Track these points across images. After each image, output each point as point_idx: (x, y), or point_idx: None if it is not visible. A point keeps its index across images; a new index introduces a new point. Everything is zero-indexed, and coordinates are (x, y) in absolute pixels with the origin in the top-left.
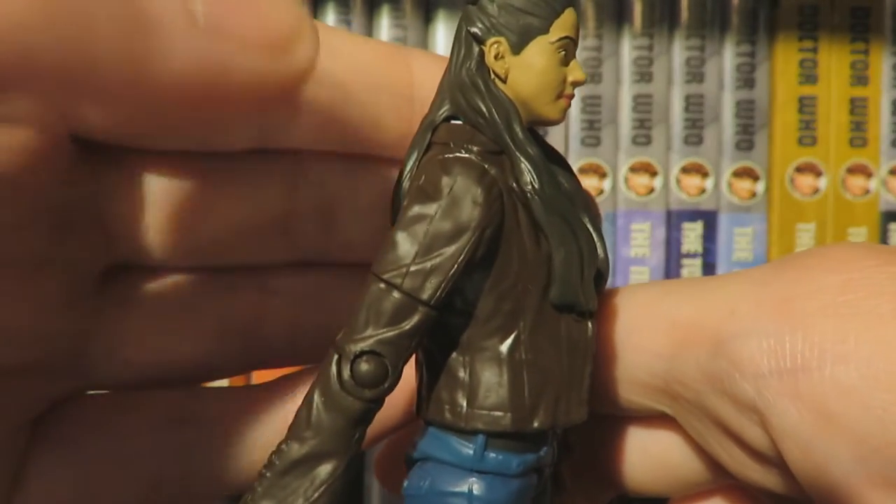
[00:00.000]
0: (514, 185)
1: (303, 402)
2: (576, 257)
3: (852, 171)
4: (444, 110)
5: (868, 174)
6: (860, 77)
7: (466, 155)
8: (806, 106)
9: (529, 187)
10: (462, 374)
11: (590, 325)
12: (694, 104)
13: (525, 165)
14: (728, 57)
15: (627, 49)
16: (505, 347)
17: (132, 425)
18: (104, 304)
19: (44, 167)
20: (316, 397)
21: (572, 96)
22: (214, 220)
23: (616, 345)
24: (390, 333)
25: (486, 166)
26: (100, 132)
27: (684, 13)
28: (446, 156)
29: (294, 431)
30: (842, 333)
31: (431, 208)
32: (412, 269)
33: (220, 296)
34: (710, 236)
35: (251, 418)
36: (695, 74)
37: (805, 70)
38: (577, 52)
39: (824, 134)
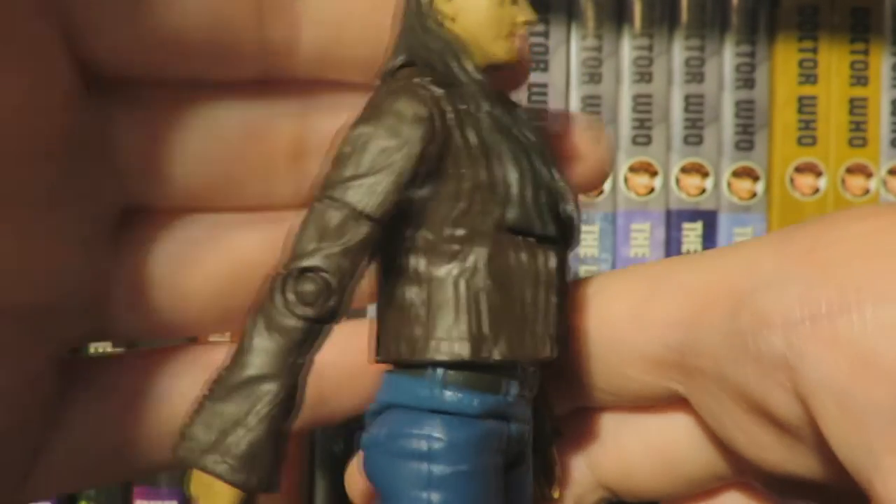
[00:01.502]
0: (464, 107)
1: (244, 327)
2: (529, 179)
3: (852, 171)
4: (400, 59)
5: (868, 174)
6: (860, 77)
7: (414, 83)
8: (806, 106)
9: (480, 110)
10: (417, 305)
11: (552, 254)
12: (694, 104)
13: (472, 91)
14: (728, 57)
15: (627, 49)
16: (462, 275)
17: (165, 368)
18: (122, 246)
19: (53, 98)
20: (256, 320)
21: (524, 36)
22: (226, 155)
23: (624, 323)
24: (335, 249)
25: (434, 89)
26: (107, 62)
27: (684, 13)
28: (394, 82)
29: (234, 357)
30: (878, 273)
31: (373, 125)
32: (354, 183)
33: (235, 235)
34: (710, 236)
35: None
36: (695, 74)
37: (805, 70)
38: (577, 52)
39: (824, 134)
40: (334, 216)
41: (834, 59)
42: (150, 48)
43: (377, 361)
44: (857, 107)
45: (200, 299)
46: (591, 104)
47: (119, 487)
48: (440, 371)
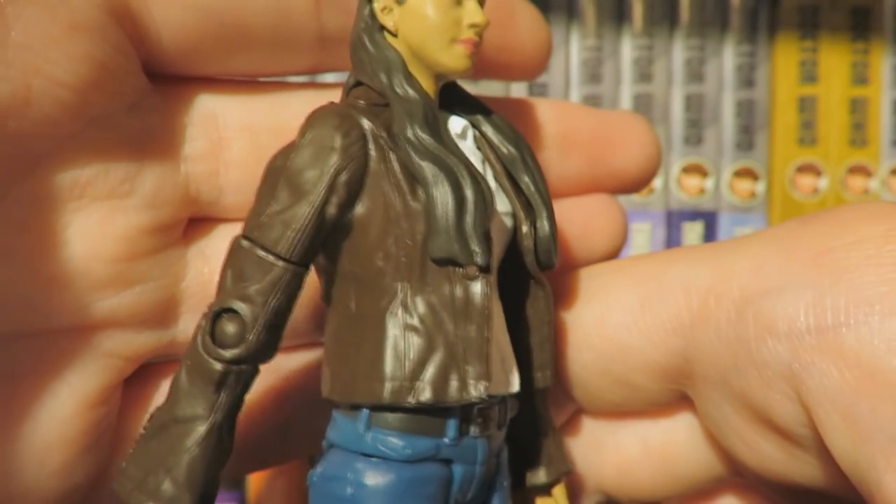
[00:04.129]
0: (393, 132)
1: (177, 370)
2: (453, 204)
3: (852, 171)
4: (351, 79)
5: (868, 174)
6: (860, 77)
7: (335, 107)
8: (806, 106)
9: (401, 133)
10: (348, 343)
11: (482, 284)
12: (694, 104)
13: (399, 113)
14: (728, 57)
15: (627, 49)
16: (387, 311)
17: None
18: (189, 254)
19: (117, 91)
20: (183, 363)
21: (474, 41)
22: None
23: (625, 331)
24: (250, 290)
25: (357, 116)
26: (170, 58)
27: (684, 13)
28: (315, 110)
29: (167, 397)
30: (891, 284)
31: (286, 159)
32: (265, 221)
33: None
34: (710, 236)
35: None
36: (695, 74)
37: (805, 70)
38: (577, 52)
39: (824, 134)
40: (249, 257)
41: (834, 59)
42: (213, 41)
43: (324, 397)
44: (857, 107)
45: None
46: (592, 104)
47: None
48: (365, 412)
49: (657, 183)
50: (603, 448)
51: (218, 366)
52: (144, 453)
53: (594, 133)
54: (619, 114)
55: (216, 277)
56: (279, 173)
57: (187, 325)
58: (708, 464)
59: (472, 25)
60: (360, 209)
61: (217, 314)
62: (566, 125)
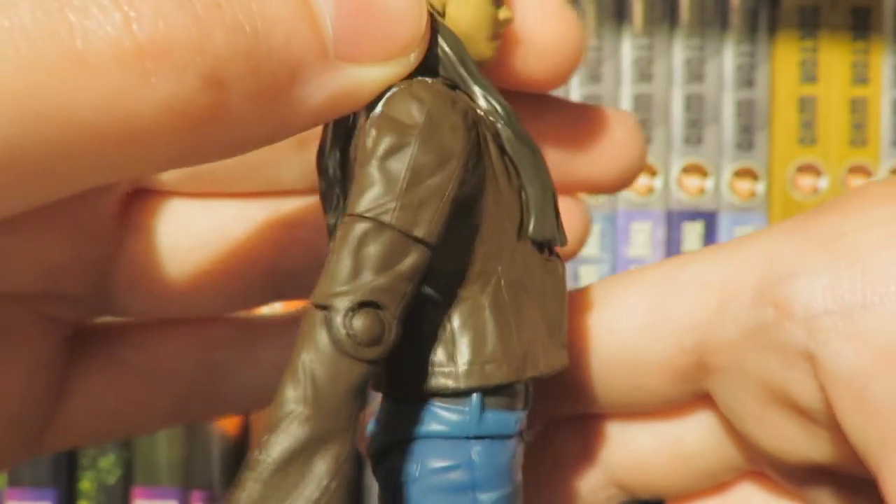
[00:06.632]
0: (482, 114)
1: (285, 380)
2: (550, 189)
3: (852, 171)
4: None
5: (868, 174)
6: (860, 77)
7: (437, 84)
8: (806, 106)
9: (497, 115)
10: (446, 330)
11: (559, 265)
12: (694, 104)
13: (486, 95)
14: (728, 57)
15: (627, 49)
16: (487, 293)
17: (165, 344)
18: (125, 230)
19: None
20: (307, 367)
21: (502, 36)
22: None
23: (635, 336)
24: (384, 279)
25: (459, 94)
26: None
27: (684, 13)
28: (410, 86)
29: (279, 417)
30: None
31: (408, 137)
32: (400, 203)
33: (240, 227)
34: (710, 236)
35: (275, 343)
36: (695, 74)
37: (805, 70)
38: None
39: (824, 134)
40: (380, 241)
41: (834, 59)
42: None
43: (391, 396)
44: (857, 107)
45: (198, 281)
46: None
47: (119, 487)
48: (477, 396)
49: (657, 183)
50: (614, 441)
51: (360, 368)
52: (271, 488)
53: (562, 127)
54: (601, 109)
55: (149, 247)
56: (399, 152)
57: (121, 293)
58: (723, 454)
59: (506, 21)
60: (472, 190)
61: (355, 307)
62: (531, 115)
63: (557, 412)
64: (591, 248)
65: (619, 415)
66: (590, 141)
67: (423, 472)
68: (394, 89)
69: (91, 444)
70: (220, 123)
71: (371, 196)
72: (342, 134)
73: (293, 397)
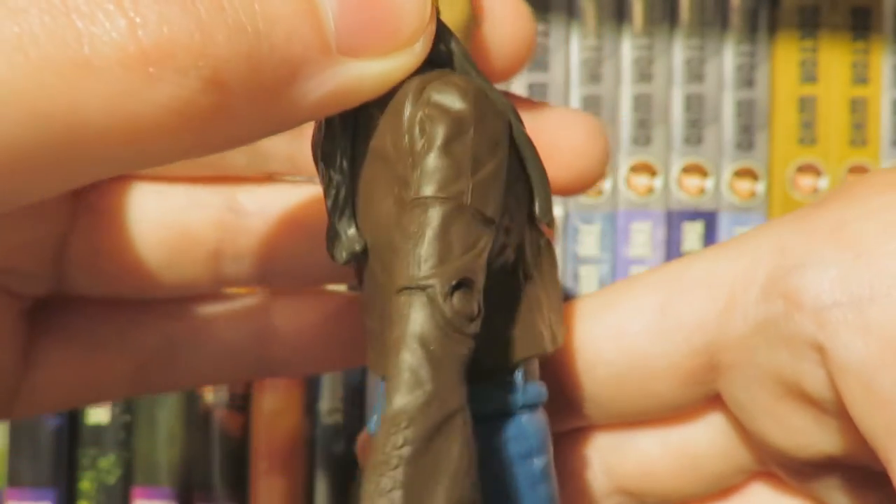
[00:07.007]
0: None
1: (396, 370)
2: (545, 174)
3: (852, 171)
4: None
5: None
6: (860, 77)
7: (464, 77)
8: (806, 106)
9: (503, 104)
10: (493, 309)
11: (552, 245)
12: (694, 104)
13: (489, 90)
14: (728, 57)
15: (627, 49)
16: (516, 269)
17: (125, 316)
18: (78, 212)
19: None
20: (420, 352)
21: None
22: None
23: (642, 341)
24: (470, 257)
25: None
26: None
27: (684, 13)
28: (444, 75)
29: (406, 397)
30: None
31: (465, 125)
32: (471, 185)
33: (191, 211)
34: (710, 236)
35: (230, 321)
36: (695, 74)
37: (805, 70)
38: (577, 52)
39: (824, 134)
40: (462, 222)
41: (834, 59)
42: None
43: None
44: (857, 107)
45: (149, 263)
46: (591, 104)
47: (119, 487)
48: (519, 370)
49: (657, 183)
50: (621, 449)
51: (469, 342)
52: (417, 475)
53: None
54: (560, 110)
55: (104, 229)
56: (459, 137)
57: (76, 273)
58: (732, 456)
59: (480, 21)
60: (507, 174)
61: (454, 286)
62: None
63: (564, 428)
64: (591, 249)
65: (623, 426)
66: (545, 141)
67: (490, 451)
68: (421, 79)
69: (57, 412)
70: (221, 122)
71: (442, 179)
72: (350, 125)
73: (414, 380)
